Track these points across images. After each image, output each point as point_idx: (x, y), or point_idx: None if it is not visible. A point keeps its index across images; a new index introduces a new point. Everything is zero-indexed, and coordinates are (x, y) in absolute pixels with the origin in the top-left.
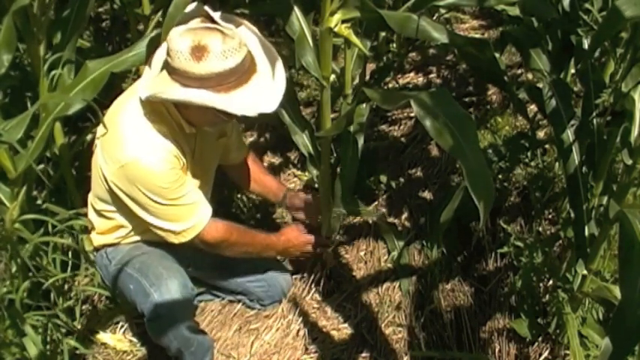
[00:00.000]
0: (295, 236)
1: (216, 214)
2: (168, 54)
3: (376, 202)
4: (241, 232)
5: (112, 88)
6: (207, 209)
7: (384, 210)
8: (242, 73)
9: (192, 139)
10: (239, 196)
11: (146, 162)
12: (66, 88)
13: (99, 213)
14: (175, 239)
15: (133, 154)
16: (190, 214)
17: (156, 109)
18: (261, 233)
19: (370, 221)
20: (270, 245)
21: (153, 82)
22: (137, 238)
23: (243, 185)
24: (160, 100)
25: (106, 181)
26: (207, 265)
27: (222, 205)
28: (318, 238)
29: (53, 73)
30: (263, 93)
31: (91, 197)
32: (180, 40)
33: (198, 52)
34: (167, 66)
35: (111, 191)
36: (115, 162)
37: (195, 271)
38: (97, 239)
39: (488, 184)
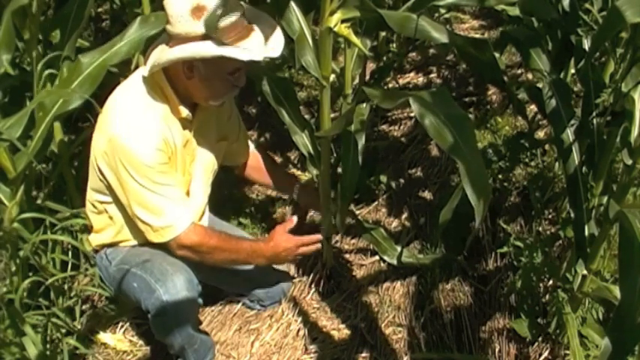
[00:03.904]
0: (285, 239)
1: (216, 213)
2: (167, 22)
3: (376, 202)
4: (223, 238)
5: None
6: (188, 213)
7: (384, 210)
8: (242, 28)
9: (187, 126)
10: (239, 196)
11: (133, 136)
12: (61, 84)
13: (93, 206)
14: (154, 237)
15: (122, 128)
16: (170, 210)
17: (152, 91)
18: (246, 240)
19: (370, 221)
20: (258, 252)
21: (153, 56)
22: (130, 238)
23: (255, 180)
24: (164, 65)
25: (96, 160)
26: (207, 266)
27: (223, 205)
28: (309, 236)
29: (47, 72)
30: (266, 42)
31: (87, 192)
32: (178, 3)
33: (199, 11)
34: (166, 37)
35: (101, 173)
36: (105, 136)
37: (195, 272)
38: (94, 239)
39: (485, 184)
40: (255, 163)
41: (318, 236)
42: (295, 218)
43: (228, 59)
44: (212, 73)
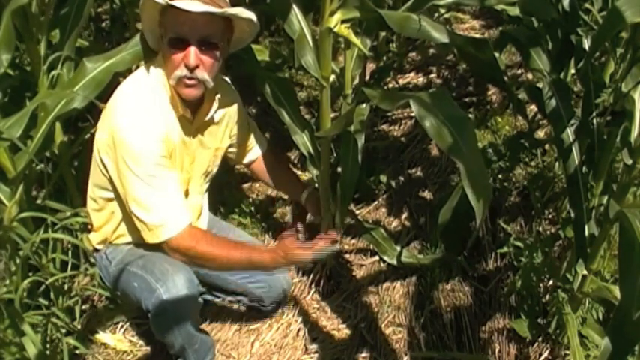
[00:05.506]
0: (298, 249)
1: (216, 213)
2: None
3: (376, 202)
4: (219, 244)
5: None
6: (183, 215)
7: (384, 210)
8: None
9: (187, 126)
10: (239, 196)
11: (134, 128)
12: (64, 86)
13: (95, 202)
14: (149, 237)
15: (125, 120)
16: (162, 208)
17: (157, 87)
18: (247, 248)
19: (370, 221)
20: (258, 264)
21: None
22: (129, 235)
23: (259, 178)
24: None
25: (99, 154)
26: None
27: (223, 205)
28: (318, 242)
29: (53, 73)
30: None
31: (89, 189)
32: None
33: None
34: None
35: (104, 167)
36: (108, 129)
37: (195, 271)
38: (94, 237)
39: (485, 185)
40: (262, 166)
41: (334, 233)
42: (300, 225)
43: (172, 20)
44: (165, 31)
